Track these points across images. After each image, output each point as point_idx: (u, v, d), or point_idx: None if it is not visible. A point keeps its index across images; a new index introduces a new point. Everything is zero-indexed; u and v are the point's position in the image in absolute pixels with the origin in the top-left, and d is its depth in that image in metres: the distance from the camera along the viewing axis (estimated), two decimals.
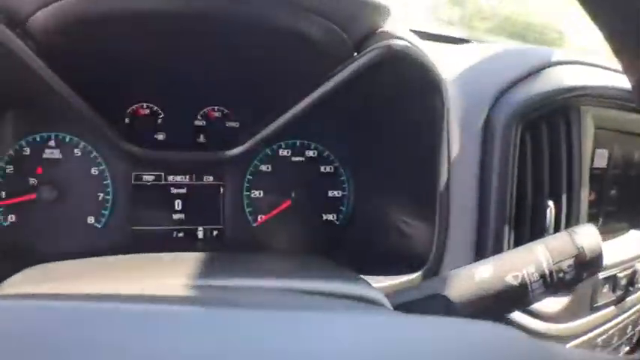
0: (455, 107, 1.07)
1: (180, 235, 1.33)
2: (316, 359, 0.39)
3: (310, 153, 1.38)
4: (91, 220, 1.29)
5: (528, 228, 1.15)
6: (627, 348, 1.49)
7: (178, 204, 1.33)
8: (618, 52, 0.52)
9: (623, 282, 1.32)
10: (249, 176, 1.35)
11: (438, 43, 1.37)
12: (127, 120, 1.32)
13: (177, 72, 1.20)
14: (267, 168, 1.36)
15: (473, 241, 1.10)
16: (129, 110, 1.32)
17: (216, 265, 0.80)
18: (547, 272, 0.80)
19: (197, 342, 0.39)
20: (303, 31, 0.93)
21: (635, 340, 1.51)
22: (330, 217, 1.39)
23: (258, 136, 1.22)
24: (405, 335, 0.46)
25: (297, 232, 1.37)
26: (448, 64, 1.11)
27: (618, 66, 0.54)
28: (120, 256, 0.86)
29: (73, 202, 1.28)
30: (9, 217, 1.26)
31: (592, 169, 1.28)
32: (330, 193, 1.38)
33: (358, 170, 1.38)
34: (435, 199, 1.06)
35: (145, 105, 1.33)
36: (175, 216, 1.33)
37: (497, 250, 1.08)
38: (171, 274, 0.70)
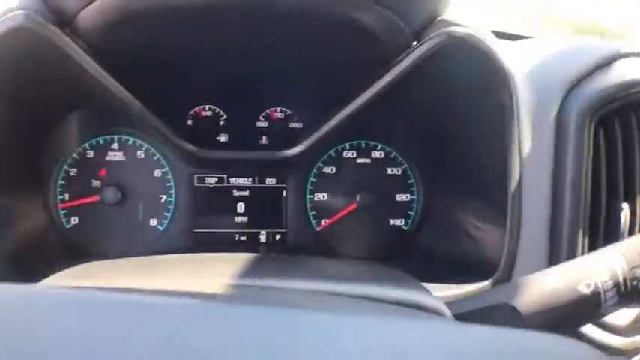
0: (524, 103, 1.00)
1: (243, 238, 1.30)
2: None
3: (376, 154, 1.32)
4: (153, 222, 1.27)
5: (602, 232, 1.06)
6: None
7: (241, 207, 1.30)
8: None
9: None
10: (312, 178, 1.31)
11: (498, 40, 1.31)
12: (189, 122, 1.31)
13: (238, 72, 1.18)
14: (331, 170, 1.31)
15: (546, 246, 1.01)
16: (191, 112, 1.31)
17: (274, 267, 0.75)
18: (621, 280, 0.71)
19: (251, 340, 0.36)
20: (361, 21, 0.89)
21: None
22: (397, 222, 1.32)
23: (320, 132, 1.17)
24: (462, 346, 0.40)
25: (362, 238, 1.32)
26: (512, 59, 1.04)
27: None
28: (177, 255, 0.82)
29: (136, 204, 1.27)
30: (72, 219, 1.25)
31: None
32: (398, 197, 1.32)
33: (427, 172, 1.32)
34: (506, 200, 0.99)
35: (206, 107, 1.31)
36: (237, 219, 1.30)
37: (571, 255, 0.99)
38: (227, 273, 0.66)
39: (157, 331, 0.37)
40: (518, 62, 1.02)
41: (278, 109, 1.32)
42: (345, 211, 1.30)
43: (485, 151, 1.08)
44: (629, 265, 0.72)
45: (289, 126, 1.32)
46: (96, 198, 1.24)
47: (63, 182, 1.25)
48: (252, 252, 1.25)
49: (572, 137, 0.99)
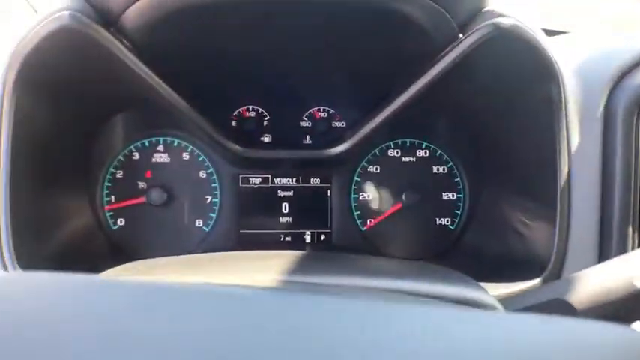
0: (571, 96, 0.98)
1: (288, 238, 1.29)
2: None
3: (421, 153, 1.31)
4: (199, 223, 1.28)
5: None
6: None
7: (285, 207, 1.29)
8: None
9: None
10: (357, 178, 1.30)
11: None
12: (233, 123, 1.31)
13: (282, 72, 1.18)
14: (376, 169, 1.30)
15: (595, 242, 0.99)
16: (235, 113, 1.31)
17: (325, 265, 0.74)
18: None
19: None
20: (406, 13, 0.88)
21: None
22: (444, 221, 1.30)
23: (365, 130, 1.16)
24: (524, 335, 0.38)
25: (408, 237, 1.30)
26: (556, 49, 1.03)
27: None
28: (224, 253, 0.81)
29: (182, 205, 1.27)
30: (118, 220, 1.26)
31: None
32: (444, 196, 1.30)
33: (473, 170, 1.30)
34: (556, 196, 0.97)
35: (250, 107, 1.31)
36: (282, 219, 1.29)
37: (621, 250, 0.96)
38: (278, 269, 0.65)
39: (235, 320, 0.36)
40: (561, 54, 1.00)
41: (321, 108, 1.32)
42: (391, 211, 1.28)
43: (533, 147, 1.05)
44: None
45: (332, 125, 1.31)
46: (142, 199, 1.25)
47: (109, 184, 1.26)
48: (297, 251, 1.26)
49: (619, 131, 0.97)
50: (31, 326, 0.32)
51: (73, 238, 1.12)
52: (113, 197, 1.26)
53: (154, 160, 1.28)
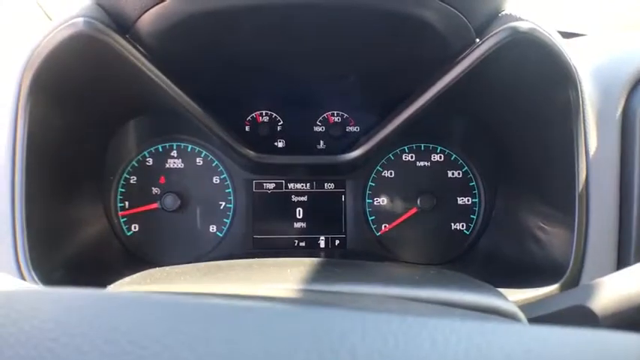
0: (589, 100, 0.97)
1: (302, 244, 1.28)
2: None
3: (436, 157, 1.30)
4: (213, 228, 1.27)
5: None
6: None
7: (299, 212, 1.29)
8: None
9: None
10: (371, 183, 1.29)
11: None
12: (247, 128, 1.31)
13: (296, 77, 1.18)
14: (390, 174, 1.29)
15: (614, 247, 0.97)
16: (248, 118, 1.31)
17: (343, 272, 0.73)
18: None
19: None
20: (423, 18, 0.87)
21: None
22: (459, 226, 1.29)
23: (380, 135, 1.15)
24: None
25: (424, 242, 1.29)
26: (573, 55, 1.01)
27: None
28: (230, 261, 0.80)
29: (195, 210, 1.27)
30: (132, 226, 1.26)
31: None
32: (460, 200, 1.29)
33: (488, 174, 1.28)
34: (574, 201, 0.95)
35: (264, 112, 1.31)
36: (297, 224, 1.29)
37: None
38: (295, 278, 0.64)
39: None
40: (578, 58, 0.99)
41: (335, 112, 1.31)
42: (406, 216, 1.27)
43: (550, 151, 1.04)
44: None
45: (347, 130, 1.31)
46: (155, 205, 1.25)
47: (123, 190, 1.26)
48: (311, 257, 1.25)
49: (638, 134, 0.95)
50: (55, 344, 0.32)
51: (87, 244, 1.12)
52: (127, 203, 1.26)
53: (167, 165, 1.28)
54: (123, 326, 0.33)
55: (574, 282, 0.94)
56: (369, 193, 1.29)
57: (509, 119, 1.15)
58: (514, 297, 0.89)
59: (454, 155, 1.30)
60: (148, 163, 1.28)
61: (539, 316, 0.71)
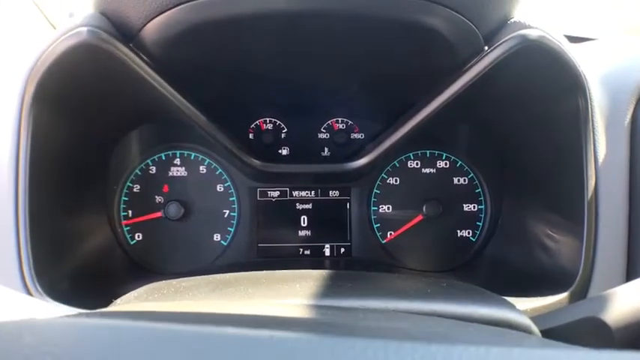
0: (598, 107, 0.96)
1: (307, 252, 1.27)
2: None
3: (442, 164, 1.29)
4: (217, 237, 1.26)
5: None
6: None
7: (304, 220, 1.28)
8: None
9: None
10: (376, 190, 1.28)
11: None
12: (250, 136, 1.30)
13: (300, 84, 1.17)
14: (396, 181, 1.28)
15: (623, 255, 0.96)
16: (252, 126, 1.30)
17: (352, 286, 0.72)
18: None
19: None
20: (431, 26, 0.86)
21: None
22: (465, 232, 1.28)
23: (387, 143, 1.14)
24: None
25: (430, 250, 1.28)
26: (582, 60, 1.01)
27: None
28: (238, 274, 0.79)
29: (199, 219, 1.26)
30: (136, 235, 1.25)
31: None
32: (466, 207, 1.28)
33: (495, 181, 1.27)
34: (583, 209, 0.94)
35: (268, 120, 1.30)
36: (301, 232, 1.28)
37: None
38: (303, 293, 0.63)
39: None
40: (587, 64, 0.98)
41: (339, 120, 1.30)
42: (412, 223, 1.26)
43: (558, 158, 1.03)
44: None
45: (351, 137, 1.30)
46: (159, 214, 1.24)
47: (126, 199, 1.25)
48: (316, 266, 1.24)
49: None
50: None
51: (91, 254, 1.11)
52: (130, 212, 1.25)
53: (170, 173, 1.27)
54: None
55: (583, 290, 0.93)
56: (374, 201, 1.28)
57: (517, 126, 1.14)
58: (523, 306, 0.88)
59: (460, 162, 1.29)
60: (151, 172, 1.27)
61: (552, 328, 0.70)
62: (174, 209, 1.23)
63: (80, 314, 0.44)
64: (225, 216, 1.26)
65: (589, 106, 0.93)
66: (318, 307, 0.52)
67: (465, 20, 0.86)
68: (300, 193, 1.28)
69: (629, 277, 0.96)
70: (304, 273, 0.72)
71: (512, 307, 0.69)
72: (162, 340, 0.35)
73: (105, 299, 0.92)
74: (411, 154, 1.28)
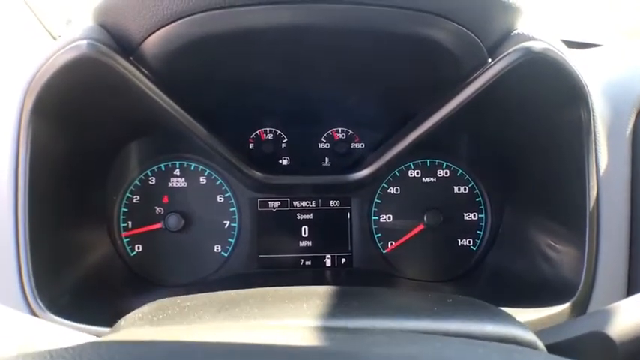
0: (599, 117, 0.96)
1: (308, 262, 1.27)
2: None
3: (442, 173, 1.29)
4: (217, 248, 1.26)
5: None
6: None
7: (305, 230, 1.27)
8: None
9: None
10: (377, 200, 1.28)
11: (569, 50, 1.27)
12: (250, 146, 1.30)
13: (301, 95, 1.17)
14: (396, 190, 1.28)
15: (625, 265, 0.96)
16: (252, 136, 1.30)
17: (351, 303, 0.71)
18: None
19: None
20: (435, 39, 0.86)
21: None
22: (466, 241, 1.28)
23: (388, 155, 1.14)
24: None
25: (431, 259, 1.28)
26: (585, 71, 1.01)
27: None
28: (242, 291, 0.78)
29: (200, 230, 1.26)
30: (136, 246, 1.24)
31: None
32: (466, 216, 1.28)
33: (495, 190, 1.27)
34: (584, 219, 0.94)
35: (268, 130, 1.30)
36: (302, 243, 1.27)
37: None
38: (308, 313, 0.62)
39: None
40: (590, 73, 0.98)
41: (340, 129, 1.30)
42: (413, 233, 1.26)
43: (560, 168, 1.03)
44: None
45: (352, 146, 1.30)
46: (159, 225, 1.23)
47: (126, 210, 1.24)
48: (318, 276, 1.24)
49: None
50: None
51: (92, 266, 1.10)
52: (130, 223, 1.24)
53: (170, 184, 1.26)
54: None
55: (584, 301, 0.93)
56: (375, 211, 1.28)
57: (518, 136, 1.14)
58: (525, 316, 0.88)
59: (460, 170, 1.29)
60: (150, 183, 1.26)
61: (557, 342, 0.70)
62: (174, 221, 1.22)
63: (91, 344, 0.43)
64: (226, 227, 1.26)
65: (591, 117, 0.93)
66: (327, 330, 0.52)
67: (468, 33, 0.86)
68: (301, 204, 1.28)
69: (629, 286, 0.97)
70: (309, 290, 0.71)
71: (517, 322, 0.69)
72: None
73: (106, 312, 0.92)
74: (411, 164, 1.28)
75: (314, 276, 1.24)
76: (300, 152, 1.30)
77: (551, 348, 0.67)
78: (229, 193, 1.26)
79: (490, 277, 1.23)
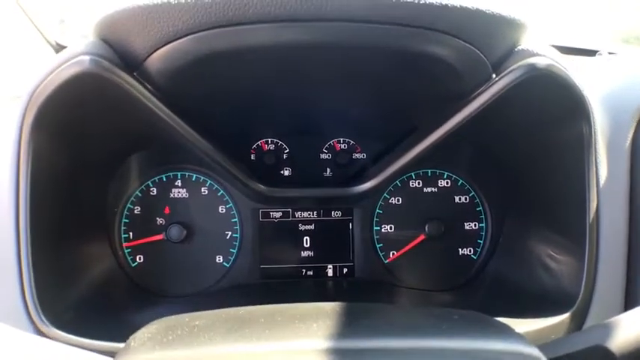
0: (599, 128, 0.97)
1: (310, 273, 1.27)
2: None
3: (443, 183, 1.29)
4: (219, 259, 1.26)
5: None
6: None
7: (307, 241, 1.28)
8: None
9: None
10: (378, 210, 1.28)
11: (567, 56, 1.28)
12: (252, 157, 1.30)
13: (303, 107, 1.17)
14: (398, 200, 1.29)
15: (623, 277, 0.97)
16: (254, 146, 1.30)
17: (360, 322, 0.72)
18: None
19: None
20: (440, 56, 0.87)
21: None
22: (466, 251, 1.28)
23: (391, 169, 1.15)
24: None
25: (432, 268, 1.28)
26: (585, 83, 1.02)
27: None
28: (251, 309, 0.78)
29: (201, 241, 1.26)
30: (137, 257, 1.24)
31: None
32: (467, 225, 1.28)
33: (495, 199, 1.28)
34: (584, 231, 0.95)
35: (269, 140, 1.30)
36: (304, 253, 1.28)
37: None
38: (306, 333, 0.63)
39: None
40: (590, 84, 0.99)
41: (341, 140, 1.31)
42: (414, 243, 1.26)
43: (560, 181, 1.04)
44: None
45: (353, 157, 1.30)
46: (161, 236, 1.23)
47: (127, 220, 1.24)
48: (320, 286, 1.24)
49: None
50: None
51: (94, 279, 1.09)
52: (131, 234, 1.24)
53: (171, 195, 1.26)
54: None
55: (584, 312, 0.94)
56: (377, 221, 1.28)
57: (519, 148, 1.15)
58: (526, 327, 0.89)
59: (461, 180, 1.29)
60: (152, 193, 1.26)
61: (559, 357, 0.71)
62: (176, 232, 1.22)
63: None
64: (228, 237, 1.26)
65: (592, 131, 0.94)
66: (338, 353, 0.52)
67: (473, 49, 0.87)
68: (303, 214, 1.28)
69: (628, 298, 0.98)
70: (318, 308, 0.72)
71: (521, 338, 0.70)
72: None
73: (110, 326, 0.92)
74: (412, 174, 1.29)
75: (316, 286, 1.25)
76: (301, 163, 1.30)
77: None
78: (231, 204, 1.26)
79: (490, 287, 1.24)
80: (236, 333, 0.61)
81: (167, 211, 1.25)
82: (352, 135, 1.30)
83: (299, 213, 1.28)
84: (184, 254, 1.25)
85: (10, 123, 0.89)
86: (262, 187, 1.18)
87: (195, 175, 1.27)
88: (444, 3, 0.78)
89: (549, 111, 0.98)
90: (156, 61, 0.87)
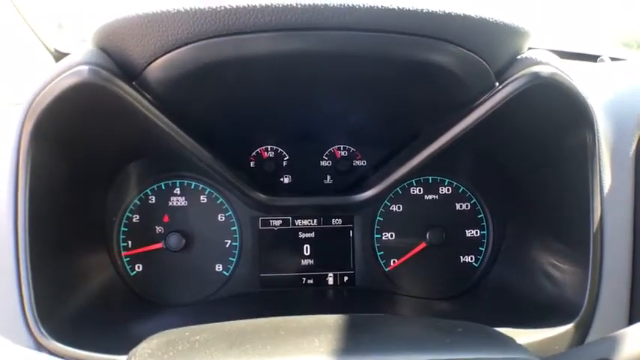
0: (603, 136, 0.96)
1: (310, 281, 1.26)
2: None
3: (444, 190, 1.29)
4: (218, 267, 1.25)
5: None
6: None
7: (307, 249, 1.27)
8: None
9: None
10: (379, 218, 1.27)
11: (568, 61, 1.27)
12: (251, 164, 1.29)
13: (304, 115, 1.16)
14: (398, 208, 1.28)
15: (627, 286, 0.97)
16: (253, 154, 1.29)
17: (363, 336, 0.71)
18: None
19: None
20: (442, 64, 0.86)
21: None
22: (468, 258, 1.28)
23: (392, 177, 1.14)
24: None
25: (433, 276, 1.27)
26: (589, 91, 1.01)
27: None
28: (252, 322, 0.76)
29: (201, 249, 1.24)
30: (136, 266, 1.23)
31: None
32: (468, 233, 1.28)
33: (497, 206, 1.27)
34: (588, 239, 0.94)
35: (269, 148, 1.29)
36: (304, 261, 1.27)
37: None
38: (308, 349, 0.62)
39: None
40: (593, 91, 0.98)
41: (341, 147, 1.30)
42: (415, 251, 1.25)
43: (563, 189, 1.03)
44: None
45: (353, 164, 1.29)
46: (160, 245, 1.22)
47: (125, 229, 1.23)
48: (320, 295, 1.23)
49: None
50: None
51: (93, 290, 1.08)
52: (130, 242, 1.23)
53: (170, 203, 1.25)
54: None
55: (587, 322, 0.93)
56: (378, 228, 1.27)
57: (522, 156, 1.14)
58: (530, 337, 0.88)
59: (462, 187, 1.29)
60: (150, 202, 1.25)
61: None
62: (175, 240, 1.21)
63: None
64: (227, 246, 1.25)
65: (596, 139, 0.94)
66: None
67: (477, 58, 0.86)
68: (303, 222, 1.27)
69: (633, 308, 0.97)
70: (320, 321, 0.71)
71: (526, 351, 0.69)
72: None
73: (109, 336, 0.91)
74: (413, 181, 1.28)
75: (316, 295, 1.24)
76: (301, 170, 1.29)
77: None
78: (230, 212, 1.25)
79: (492, 295, 1.23)
80: (237, 349, 0.60)
81: (166, 219, 1.24)
82: (353, 142, 1.29)
83: (299, 221, 1.27)
84: (183, 263, 1.24)
85: (9, 131, 0.88)
86: (262, 195, 1.17)
87: (194, 183, 1.26)
88: (447, 12, 0.78)
89: (552, 119, 0.98)
90: (155, 70, 0.86)
